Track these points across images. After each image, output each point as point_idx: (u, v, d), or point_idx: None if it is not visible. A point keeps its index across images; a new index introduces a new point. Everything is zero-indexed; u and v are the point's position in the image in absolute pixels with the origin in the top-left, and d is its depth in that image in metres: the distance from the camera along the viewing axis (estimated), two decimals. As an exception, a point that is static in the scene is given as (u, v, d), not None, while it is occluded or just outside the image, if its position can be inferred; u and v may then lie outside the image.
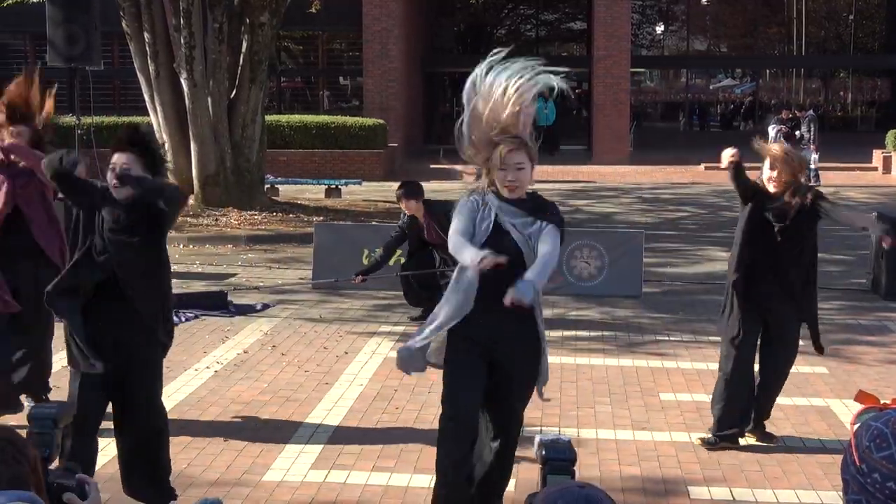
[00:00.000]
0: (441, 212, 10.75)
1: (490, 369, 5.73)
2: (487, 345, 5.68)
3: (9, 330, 7.61)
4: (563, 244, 5.74)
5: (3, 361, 7.60)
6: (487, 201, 5.63)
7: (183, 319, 11.10)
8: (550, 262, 5.47)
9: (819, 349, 7.52)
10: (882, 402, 2.33)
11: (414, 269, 11.41)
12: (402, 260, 11.73)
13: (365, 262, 13.02)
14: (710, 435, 7.32)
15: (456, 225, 5.60)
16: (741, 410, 7.32)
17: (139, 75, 20.21)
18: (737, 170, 7.22)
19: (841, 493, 2.36)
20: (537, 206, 5.67)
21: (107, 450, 7.11)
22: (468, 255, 5.35)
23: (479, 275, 5.43)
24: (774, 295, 7.23)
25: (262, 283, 13.32)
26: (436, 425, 7.03)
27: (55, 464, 3.34)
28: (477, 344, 5.68)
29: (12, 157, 7.63)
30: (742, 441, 7.34)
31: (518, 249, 5.51)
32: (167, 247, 6.25)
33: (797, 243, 7.18)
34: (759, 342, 7.44)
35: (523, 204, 5.64)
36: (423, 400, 8.38)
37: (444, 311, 5.65)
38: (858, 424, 2.27)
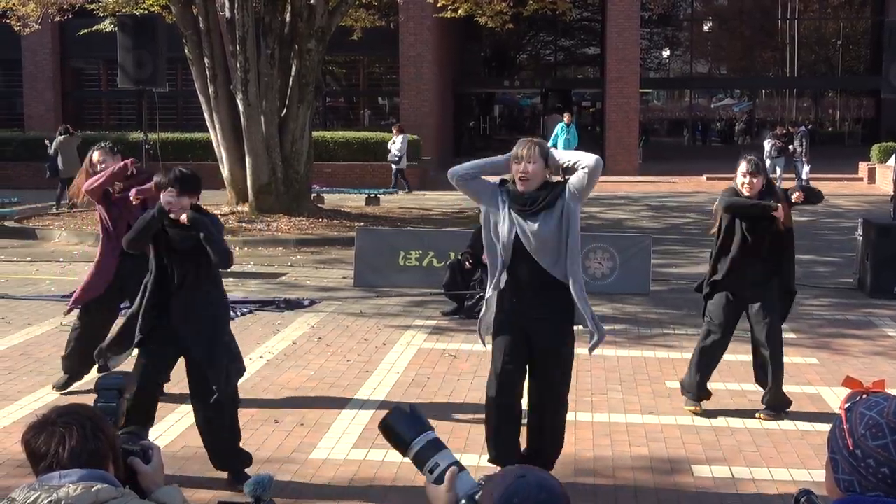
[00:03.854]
0: None
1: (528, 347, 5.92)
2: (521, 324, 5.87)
3: None
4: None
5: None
6: (502, 192, 5.86)
7: (238, 314, 11.14)
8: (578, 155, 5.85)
9: None
10: (865, 385, 2.31)
11: (460, 272, 11.38)
12: (461, 256, 11.56)
13: (401, 263, 13.06)
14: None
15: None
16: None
17: (200, 96, 20.31)
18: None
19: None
20: (550, 189, 5.81)
21: (170, 431, 7.15)
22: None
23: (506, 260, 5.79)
24: None
25: (308, 282, 13.34)
26: (463, 410, 7.04)
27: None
28: (513, 325, 5.89)
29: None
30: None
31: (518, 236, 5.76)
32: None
33: None
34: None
35: (533, 193, 5.78)
36: (453, 386, 8.38)
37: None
38: (849, 409, 2.26)
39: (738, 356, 9.41)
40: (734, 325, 7.74)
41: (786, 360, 9.22)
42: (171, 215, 6.00)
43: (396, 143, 26.88)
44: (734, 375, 8.74)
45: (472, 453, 6.67)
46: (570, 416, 7.47)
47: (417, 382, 8.53)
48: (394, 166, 26.93)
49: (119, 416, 2.97)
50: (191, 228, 5.97)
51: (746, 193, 7.38)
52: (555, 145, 30.68)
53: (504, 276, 5.85)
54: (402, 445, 2.51)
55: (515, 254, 5.77)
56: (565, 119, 29.92)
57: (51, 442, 2.62)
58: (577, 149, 31.03)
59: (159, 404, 7.75)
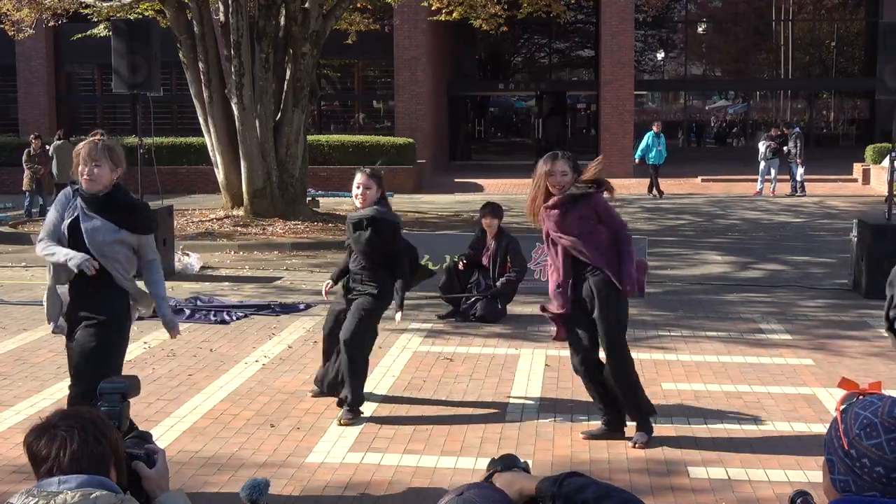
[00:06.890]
0: (511, 241, 11.02)
1: None
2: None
3: None
4: None
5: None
6: None
7: (234, 318, 11.14)
8: None
9: None
10: (861, 387, 2.32)
11: (456, 275, 11.39)
12: (459, 260, 11.57)
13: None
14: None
15: None
16: None
17: (195, 100, 20.31)
18: None
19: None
20: None
21: (166, 436, 7.14)
22: None
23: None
24: None
25: (304, 286, 13.33)
26: (458, 413, 7.03)
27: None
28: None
29: None
30: None
31: None
32: None
33: None
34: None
35: None
36: (449, 389, 8.38)
37: None
38: (844, 410, 2.27)
39: (733, 357, 9.43)
40: None
41: (781, 361, 9.27)
42: None
43: None
44: (730, 377, 8.75)
45: (468, 456, 6.68)
46: (566, 419, 7.50)
47: (413, 386, 8.53)
48: None
49: (123, 420, 2.97)
50: None
51: None
52: (643, 157, 26.97)
53: None
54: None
55: None
56: (655, 128, 27.09)
57: (52, 446, 2.61)
58: (657, 167, 26.80)
59: (155, 409, 7.75)
